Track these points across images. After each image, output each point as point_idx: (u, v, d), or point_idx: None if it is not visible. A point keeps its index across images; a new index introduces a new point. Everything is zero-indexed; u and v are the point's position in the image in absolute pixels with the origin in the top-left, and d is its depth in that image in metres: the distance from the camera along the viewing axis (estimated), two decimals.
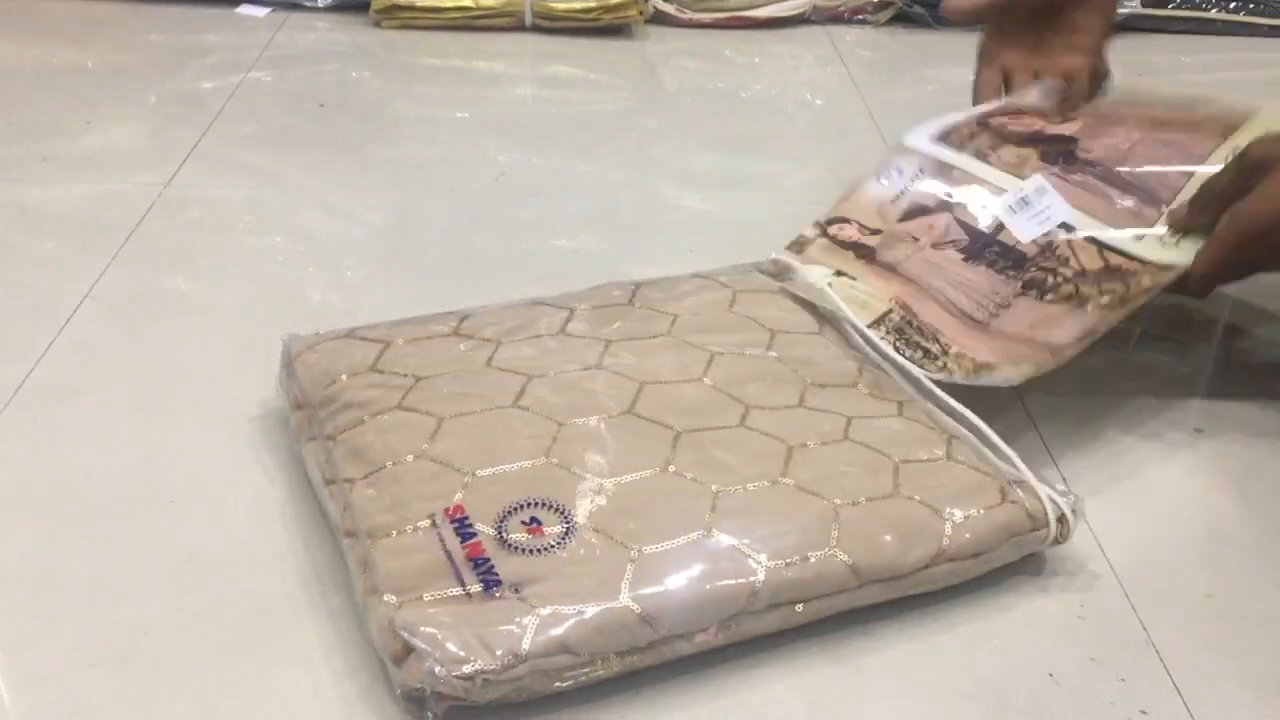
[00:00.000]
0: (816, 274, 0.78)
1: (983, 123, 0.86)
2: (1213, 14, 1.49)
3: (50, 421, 0.71)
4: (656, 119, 1.23)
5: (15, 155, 1.05)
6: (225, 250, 0.92)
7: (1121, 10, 1.46)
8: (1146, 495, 0.69)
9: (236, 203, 0.99)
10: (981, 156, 0.83)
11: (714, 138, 1.17)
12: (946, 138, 0.84)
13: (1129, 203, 0.77)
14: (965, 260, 0.76)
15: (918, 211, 0.80)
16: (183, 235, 0.94)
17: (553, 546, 0.55)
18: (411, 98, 1.23)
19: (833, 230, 0.81)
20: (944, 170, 0.82)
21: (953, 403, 0.68)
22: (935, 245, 0.78)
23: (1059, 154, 0.81)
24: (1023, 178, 0.79)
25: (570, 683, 0.51)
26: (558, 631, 0.51)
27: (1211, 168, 0.76)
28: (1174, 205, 0.75)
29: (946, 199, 0.80)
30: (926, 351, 0.70)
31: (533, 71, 1.32)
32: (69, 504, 0.64)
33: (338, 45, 1.34)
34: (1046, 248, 0.75)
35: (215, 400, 0.73)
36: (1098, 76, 0.91)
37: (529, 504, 0.57)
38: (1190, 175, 0.77)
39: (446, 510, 0.56)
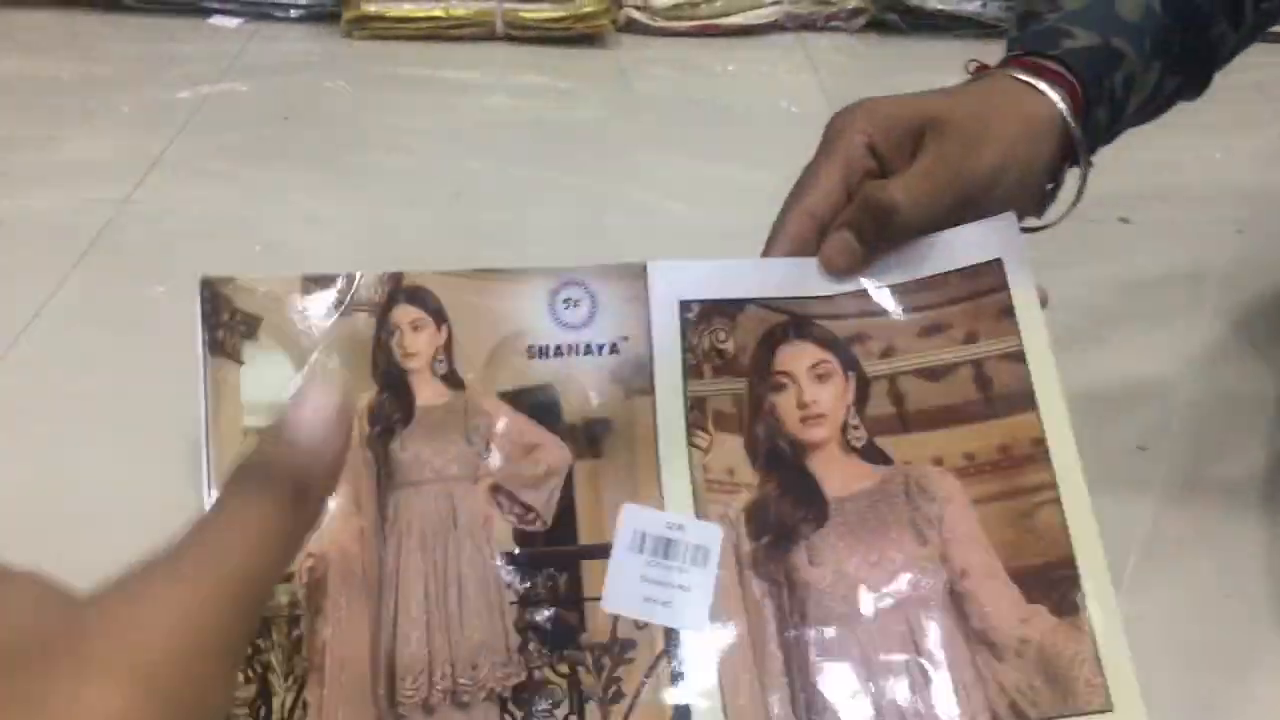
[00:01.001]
0: None
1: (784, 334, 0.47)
2: None
3: None
4: (629, 127, 1.22)
5: None
6: (186, 263, 0.90)
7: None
8: None
9: (200, 215, 0.99)
10: (697, 420, 0.45)
11: (687, 146, 1.17)
12: (704, 322, 0.46)
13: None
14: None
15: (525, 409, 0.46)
16: (144, 248, 0.93)
17: None
18: (383, 108, 1.23)
19: None
20: (626, 375, 0.46)
21: None
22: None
23: (778, 530, 0.44)
24: (703, 513, 0.44)
25: None
26: None
27: None
28: None
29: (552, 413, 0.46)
30: None
31: (504, 81, 1.32)
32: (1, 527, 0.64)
33: (309, 56, 1.34)
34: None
35: (163, 422, 0.72)
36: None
37: None
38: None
39: None
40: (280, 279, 0.44)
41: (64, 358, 0.78)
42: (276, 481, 0.28)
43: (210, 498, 0.40)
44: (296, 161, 1.09)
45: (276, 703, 0.40)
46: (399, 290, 0.45)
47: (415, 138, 1.16)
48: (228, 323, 0.43)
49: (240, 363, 0.43)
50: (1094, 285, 0.91)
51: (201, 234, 0.95)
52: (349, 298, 0.45)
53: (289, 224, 0.97)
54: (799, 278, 0.47)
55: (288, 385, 0.43)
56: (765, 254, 0.49)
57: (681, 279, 0.47)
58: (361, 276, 0.45)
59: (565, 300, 0.46)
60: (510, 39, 1.37)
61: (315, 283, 0.45)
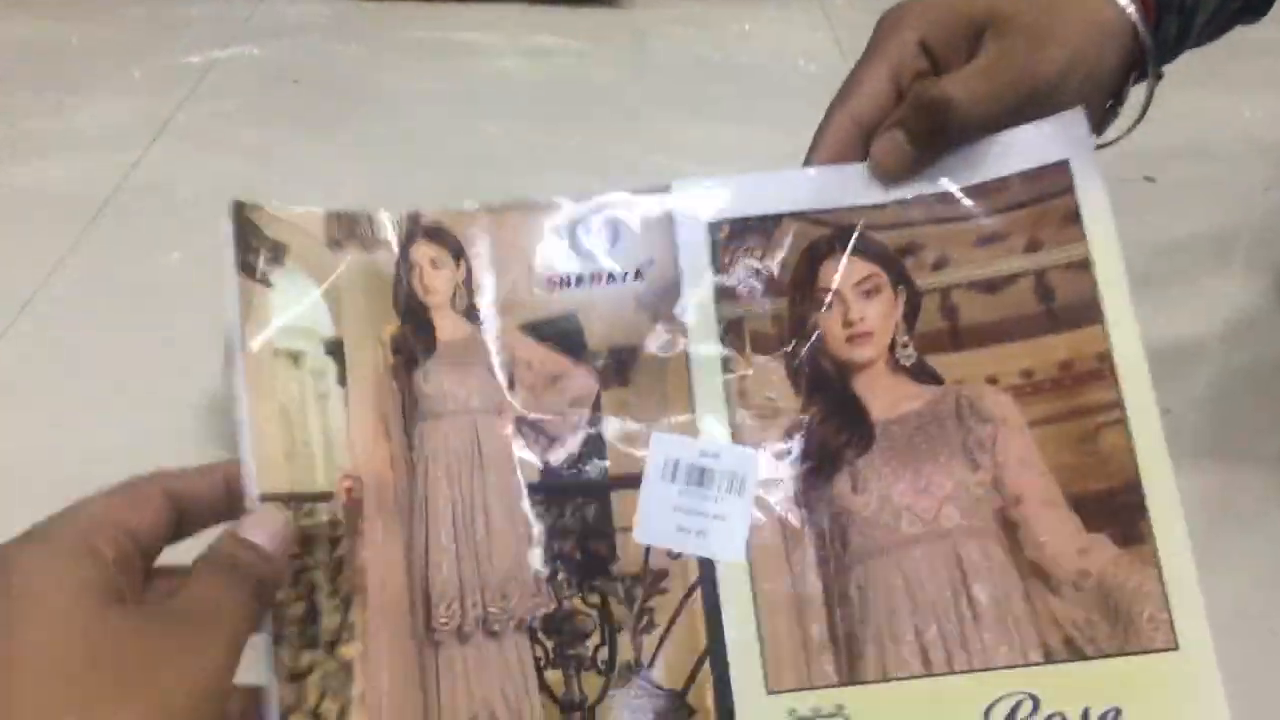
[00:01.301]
0: None
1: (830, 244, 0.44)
2: None
3: (5, 406, 0.70)
4: (644, 89, 1.21)
5: None
6: (196, 230, 0.90)
7: None
8: None
9: (210, 180, 0.97)
10: (732, 344, 0.43)
11: (703, 107, 1.15)
12: (737, 240, 0.45)
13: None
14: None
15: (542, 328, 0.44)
16: (152, 215, 0.92)
17: None
18: (395, 70, 1.21)
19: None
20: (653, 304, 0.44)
21: None
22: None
23: (820, 457, 0.42)
24: (740, 439, 0.42)
25: None
26: None
27: None
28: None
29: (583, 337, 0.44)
30: None
31: (517, 43, 1.30)
32: (8, 498, 0.63)
33: (320, 17, 1.32)
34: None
35: (172, 391, 0.72)
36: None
37: None
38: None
39: None
40: (306, 212, 0.44)
41: (74, 324, 0.78)
42: (243, 576, 0.35)
43: (245, 414, 0.40)
44: (308, 125, 1.08)
45: (324, 623, 0.39)
46: (418, 228, 0.45)
47: (428, 101, 1.15)
48: (256, 247, 0.43)
49: (270, 286, 0.42)
50: None
51: (212, 199, 0.94)
52: (370, 235, 0.45)
53: (301, 188, 0.96)
54: (843, 186, 0.44)
55: (315, 312, 0.43)
56: (806, 162, 0.46)
57: (710, 197, 0.45)
58: (381, 215, 0.45)
59: (585, 228, 0.45)
60: None
61: (338, 219, 0.45)
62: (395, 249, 0.45)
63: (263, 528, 0.37)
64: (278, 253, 0.43)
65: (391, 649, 0.40)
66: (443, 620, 0.40)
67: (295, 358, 0.41)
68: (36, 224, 0.90)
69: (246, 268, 0.42)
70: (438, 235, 0.45)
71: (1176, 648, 0.39)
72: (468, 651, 0.40)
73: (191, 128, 1.06)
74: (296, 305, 0.42)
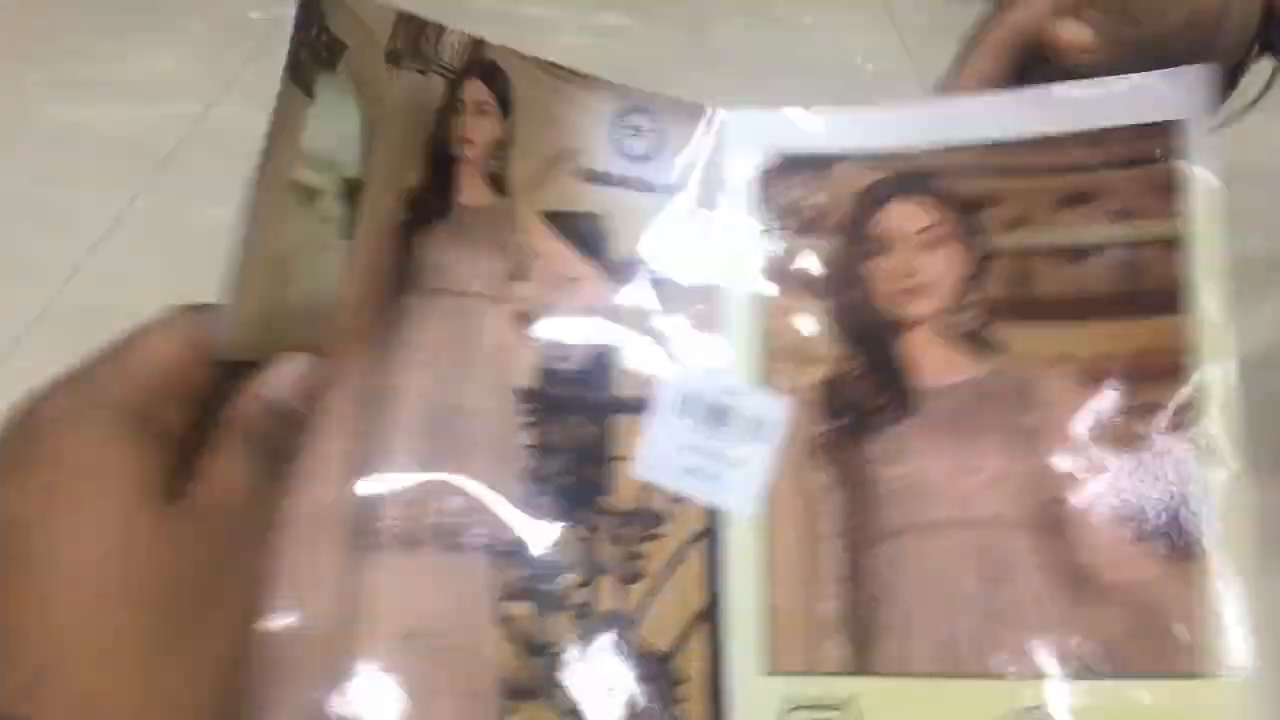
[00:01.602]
0: None
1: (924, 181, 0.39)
2: None
3: (69, 351, 0.71)
4: (703, 76, 1.20)
5: (54, 78, 1.03)
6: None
7: None
8: None
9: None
10: (771, 278, 0.39)
11: (760, 99, 1.14)
12: (788, 173, 0.40)
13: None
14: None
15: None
16: (218, 164, 0.92)
17: None
18: None
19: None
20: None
21: None
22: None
23: (855, 415, 0.38)
24: (767, 382, 0.38)
25: None
26: None
27: None
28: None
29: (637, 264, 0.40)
30: None
31: (581, 19, 1.30)
32: None
33: None
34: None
35: None
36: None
37: None
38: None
39: None
40: (379, 7, 0.38)
41: (144, 267, 0.79)
42: (263, 446, 0.33)
43: (239, 249, 0.35)
44: None
45: None
46: (476, 62, 0.39)
47: None
48: (313, 41, 0.36)
49: (311, 97, 0.36)
50: None
51: None
52: (431, 53, 0.39)
53: None
54: (913, 126, 0.39)
55: (347, 142, 0.37)
56: (949, 77, 0.41)
57: (762, 128, 0.40)
58: (451, 35, 0.39)
59: (630, 127, 0.40)
60: None
61: (407, 26, 0.38)
62: (447, 80, 0.39)
63: (280, 382, 0.33)
64: (332, 53, 0.37)
65: (313, 550, 0.34)
66: (390, 521, 0.35)
67: (311, 195, 0.36)
68: (105, 169, 0.90)
69: (296, 68, 0.36)
70: (492, 77, 0.39)
71: (1215, 675, 0.34)
72: (413, 561, 0.34)
73: (256, 85, 1.07)
74: (331, 128, 0.36)
